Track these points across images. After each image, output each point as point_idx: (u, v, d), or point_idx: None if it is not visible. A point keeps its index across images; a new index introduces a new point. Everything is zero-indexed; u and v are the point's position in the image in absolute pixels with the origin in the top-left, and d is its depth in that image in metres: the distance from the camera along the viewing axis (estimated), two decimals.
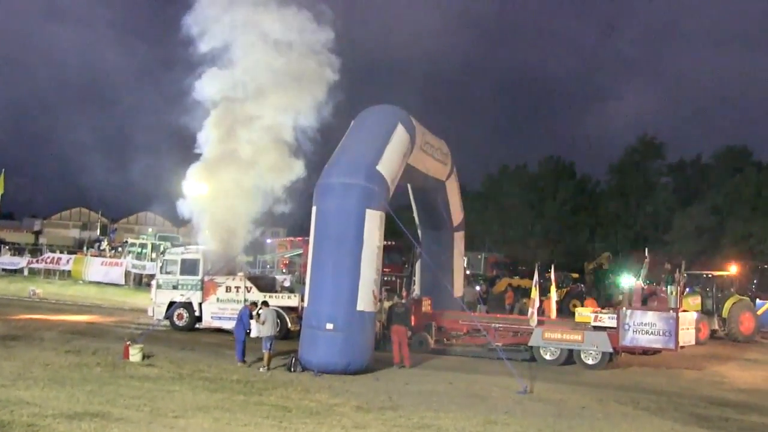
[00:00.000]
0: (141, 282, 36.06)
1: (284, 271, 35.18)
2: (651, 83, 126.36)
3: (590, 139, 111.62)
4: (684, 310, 19.76)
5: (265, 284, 23.74)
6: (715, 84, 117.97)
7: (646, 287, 20.07)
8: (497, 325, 20.50)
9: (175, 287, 23.39)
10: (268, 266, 38.42)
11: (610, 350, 18.61)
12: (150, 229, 56.33)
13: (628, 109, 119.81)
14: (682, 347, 18.75)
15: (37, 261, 40.23)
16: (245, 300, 21.09)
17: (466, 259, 32.98)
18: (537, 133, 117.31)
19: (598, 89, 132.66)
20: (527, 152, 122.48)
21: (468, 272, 36.14)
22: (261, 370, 16.19)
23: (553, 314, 22.02)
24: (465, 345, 20.66)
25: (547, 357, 19.06)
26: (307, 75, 22.26)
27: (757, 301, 29.11)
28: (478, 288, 32.90)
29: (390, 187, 17.67)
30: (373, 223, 16.76)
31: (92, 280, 36.85)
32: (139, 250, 38.06)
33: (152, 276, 28.45)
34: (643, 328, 18.30)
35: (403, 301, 19.64)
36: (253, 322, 17.18)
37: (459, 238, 26.35)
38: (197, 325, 22.95)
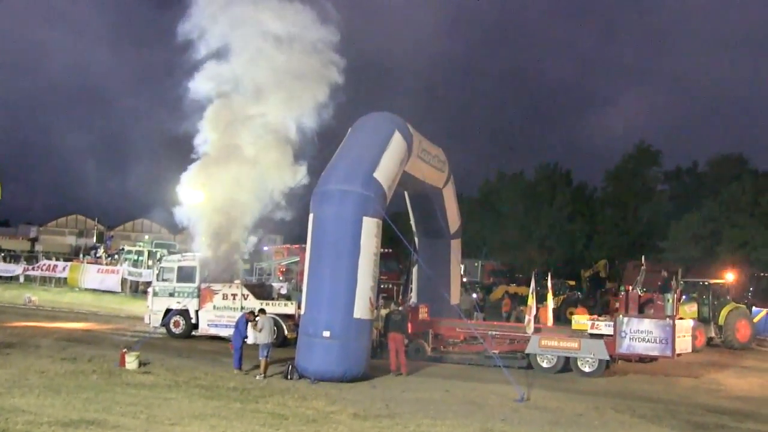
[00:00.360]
0: (137, 289, 36.02)
1: (281, 278, 35.12)
2: (648, 90, 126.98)
3: (587, 147, 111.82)
4: (680, 318, 19.78)
5: (262, 292, 23.71)
6: (712, 92, 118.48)
7: (642, 295, 20.04)
8: (494, 333, 20.48)
9: (171, 295, 23.35)
10: (265, 273, 38.36)
11: (607, 358, 18.61)
12: (146, 237, 56.16)
13: (625, 117, 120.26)
14: (679, 355, 18.75)
15: (33, 268, 40.20)
16: (242, 308, 21.07)
17: (463, 267, 33.05)
18: (534, 141, 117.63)
19: (595, 96, 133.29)
20: (524, 159, 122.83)
21: (465, 280, 36.16)
22: (258, 377, 16.16)
23: (550, 322, 22.01)
24: (462, 352, 20.63)
25: (544, 364, 19.05)
26: (309, 73, 22.17)
27: (753, 308, 29.13)
28: (474, 295, 32.89)
29: (387, 194, 17.68)
30: (370, 231, 16.77)
31: (88, 287, 36.81)
32: (136, 257, 38.05)
33: (148, 283, 28.41)
34: (640, 335, 18.30)
35: (400, 308, 19.61)
36: (249, 329, 17.15)
37: (456, 246, 26.36)
38: (194, 333, 22.89)
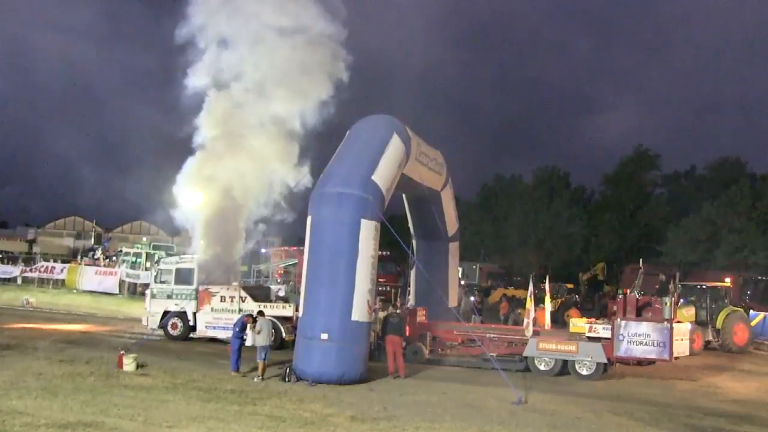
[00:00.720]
0: (135, 291, 35.98)
1: (279, 280, 35.13)
2: (646, 94, 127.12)
3: (585, 150, 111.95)
4: (678, 321, 19.79)
5: (260, 294, 23.70)
6: (710, 95, 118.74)
7: (640, 298, 20.06)
8: (492, 336, 20.49)
9: (169, 297, 23.30)
10: (263, 276, 38.38)
11: (605, 361, 18.62)
12: (144, 238, 56.34)
13: (624, 120, 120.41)
14: (677, 358, 18.79)
15: (30, 270, 40.11)
16: (240, 310, 21.07)
17: (461, 270, 33.05)
18: (533, 144, 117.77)
19: (594, 100, 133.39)
20: (522, 163, 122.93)
21: (463, 282, 36.17)
22: (255, 380, 16.15)
23: (547, 325, 22.03)
24: (460, 355, 20.64)
25: (542, 367, 19.05)
26: (312, 67, 22.02)
27: (751, 312, 29.16)
28: (472, 298, 32.89)
29: (385, 197, 17.69)
30: (368, 233, 16.77)
31: (86, 289, 36.75)
32: (134, 259, 38.04)
33: (146, 285, 28.37)
34: (638, 338, 18.30)
35: (398, 311, 19.61)
36: (248, 331, 17.14)
37: (454, 249, 26.37)
38: (191, 335, 22.86)
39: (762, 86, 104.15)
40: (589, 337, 19.23)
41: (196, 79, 23.39)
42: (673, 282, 20.85)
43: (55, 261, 42.04)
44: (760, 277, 35.42)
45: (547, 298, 22.82)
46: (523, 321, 21.55)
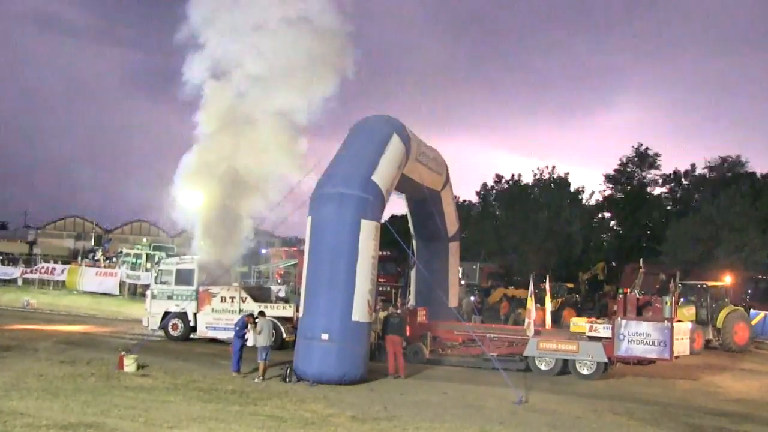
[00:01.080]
0: (135, 292, 36.03)
1: (279, 281, 35.15)
2: (646, 92, 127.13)
3: (585, 149, 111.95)
4: (679, 321, 19.79)
5: (261, 294, 23.71)
6: (711, 94, 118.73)
7: (640, 297, 20.06)
8: (492, 336, 20.50)
9: (170, 297, 23.31)
10: (264, 276, 38.41)
11: (605, 360, 18.63)
12: (144, 239, 56.29)
13: (623, 120, 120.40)
14: (677, 357, 18.77)
15: (31, 271, 40.19)
16: (240, 310, 21.08)
17: (461, 270, 33.02)
18: (532, 143, 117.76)
19: (594, 99, 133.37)
20: (522, 162, 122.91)
21: (463, 282, 36.16)
22: (256, 380, 16.16)
23: (548, 324, 22.04)
24: (460, 355, 20.64)
25: (542, 367, 19.06)
26: (317, 60, 21.88)
27: (751, 311, 29.18)
28: (473, 298, 32.91)
29: (385, 197, 17.70)
30: (368, 234, 16.78)
31: (86, 290, 36.81)
32: (134, 260, 38.08)
33: (147, 286, 28.39)
34: (638, 338, 18.31)
35: (398, 311, 19.61)
36: (249, 331, 17.14)
37: (454, 249, 26.37)
38: (192, 336, 22.88)
39: (763, 84, 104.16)
40: (589, 337, 19.25)
41: (195, 72, 23.21)
42: (674, 281, 20.82)
43: (55, 262, 42.08)
44: (760, 276, 35.43)
45: (548, 298, 22.83)
46: (523, 321, 21.56)
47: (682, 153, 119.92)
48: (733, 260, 38.96)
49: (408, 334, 19.44)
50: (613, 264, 45.94)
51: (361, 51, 22.25)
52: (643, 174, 58.13)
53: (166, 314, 23.08)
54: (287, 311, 21.77)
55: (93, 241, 59.63)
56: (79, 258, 47.46)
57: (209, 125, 23.57)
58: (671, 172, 59.29)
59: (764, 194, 44.71)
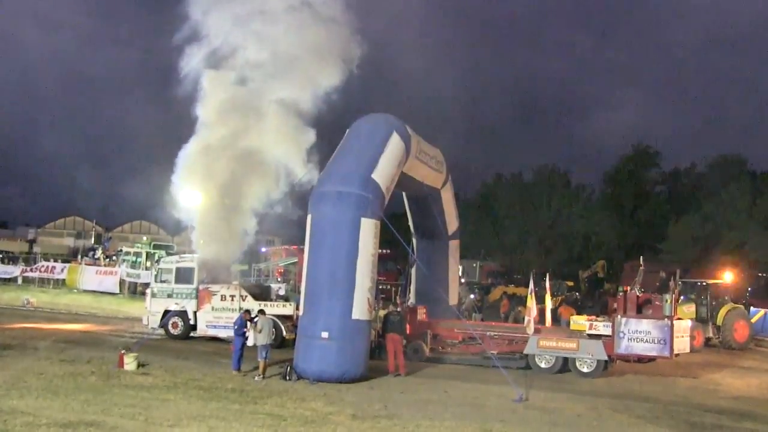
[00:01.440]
0: (135, 291, 36.02)
1: (279, 279, 35.14)
2: (646, 91, 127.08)
3: (585, 148, 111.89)
4: (679, 318, 19.80)
5: (261, 293, 23.70)
6: (711, 92, 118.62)
7: (640, 295, 20.07)
8: (492, 334, 20.50)
9: (170, 296, 23.28)
10: (264, 275, 38.38)
11: (605, 358, 18.63)
12: (144, 238, 56.27)
13: (623, 118, 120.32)
14: (677, 355, 18.78)
15: (31, 270, 40.17)
16: (240, 309, 21.07)
17: (461, 268, 33.01)
18: (532, 142, 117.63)
19: (594, 97, 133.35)
20: (522, 161, 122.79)
21: (463, 280, 36.16)
22: (256, 378, 16.15)
23: (548, 322, 22.04)
24: (460, 353, 20.64)
25: (543, 365, 19.06)
26: (322, 51, 21.73)
27: (751, 309, 29.19)
28: (473, 296, 32.91)
29: (385, 195, 17.69)
30: (368, 232, 16.78)
31: (86, 288, 36.79)
32: (134, 258, 38.05)
33: (147, 285, 28.37)
34: (638, 335, 18.32)
35: (398, 309, 19.62)
36: (249, 330, 17.13)
37: (454, 247, 26.36)
38: (192, 334, 22.86)
39: (763, 82, 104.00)
40: (589, 335, 19.26)
41: (194, 65, 23.08)
42: (674, 279, 20.82)
43: (55, 261, 42.10)
44: (760, 274, 35.46)
45: (548, 296, 22.82)
46: (523, 319, 21.55)
47: (682, 151, 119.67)
48: (733, 258, 38.99)
49: (408, 332, 19.46)
50: (613, 262, 45.96)
51: (366, 46, 22.13)
52: (643, 172, 58.15)
53: (166, 313, 23.07)
54: (287, 309, 21.77)
55: (93, 239, 59.57)
56: (79, 256, 47.46)
57: (209, 116, 23.36)
58: (671, 170, 59.39)
59: (764, 193, 44.73)
